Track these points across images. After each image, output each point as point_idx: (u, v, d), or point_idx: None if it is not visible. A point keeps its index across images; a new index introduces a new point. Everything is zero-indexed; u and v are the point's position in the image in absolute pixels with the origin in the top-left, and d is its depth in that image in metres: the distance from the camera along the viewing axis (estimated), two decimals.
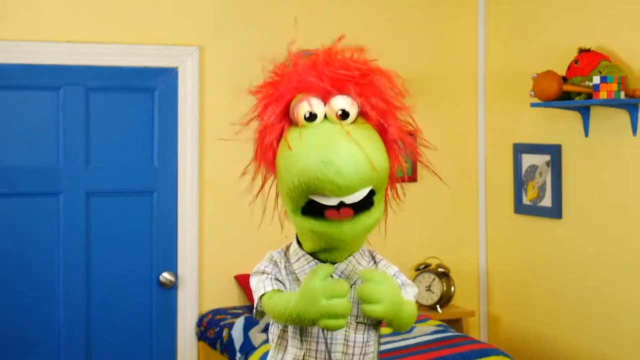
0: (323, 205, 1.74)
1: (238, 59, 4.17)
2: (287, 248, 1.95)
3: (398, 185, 1.94)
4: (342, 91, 1.79)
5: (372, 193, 1.77)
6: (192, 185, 4.10)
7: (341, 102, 1.78)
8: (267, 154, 1.86)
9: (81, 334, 3.98)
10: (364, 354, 1.91)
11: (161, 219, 4.09)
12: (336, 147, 1.72)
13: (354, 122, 1.79)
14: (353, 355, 1.89)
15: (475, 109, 4.66)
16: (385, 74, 1.84)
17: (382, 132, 1.84)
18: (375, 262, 1.95)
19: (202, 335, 4.06)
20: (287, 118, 1.82)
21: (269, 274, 1.90)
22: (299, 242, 1.92)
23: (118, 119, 4.02)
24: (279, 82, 1.84)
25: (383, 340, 3.58)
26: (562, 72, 3.89)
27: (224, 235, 4.19)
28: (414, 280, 4.46)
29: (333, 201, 1.73)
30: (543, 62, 4.07)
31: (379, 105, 1.82)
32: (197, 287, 4.14)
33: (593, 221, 3.92)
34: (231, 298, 4.21)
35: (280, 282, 1.89)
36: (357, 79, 1.80)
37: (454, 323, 4.44)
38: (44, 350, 3.93)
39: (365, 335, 1.90)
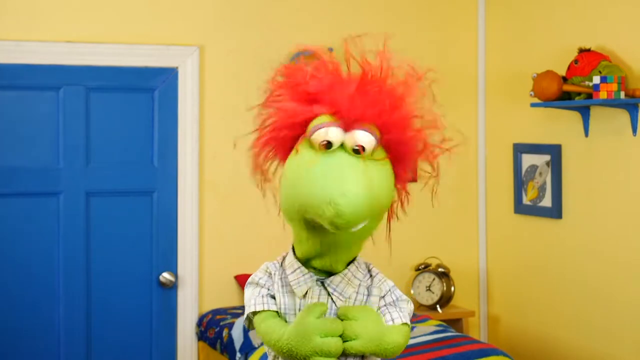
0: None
1: (238, 59, 4.17)
2: (284, 259, 1.93)
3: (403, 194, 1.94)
4: (364, 122, 1.75)
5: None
6: (192, 185, 4.10)
7: (362, 137, 1.74)
8: (285, 144, 1.83)
9: (81, 334, 3.98)
10: None
11: (161, 219, 4.09)
12: (343, 189, 1.68)
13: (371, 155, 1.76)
14: None
15: (475, 109, 4.66)
16: (412, 93, 1.80)
17: (397, 159, 1.83)
18: (371, 275, 1.93)
19: (202, 335, 4.06)
20: (302, 128, 1.78)
21: (262, 286, 1.89)
22: (294, 252, 1.90)
23: (118, 119, 4.02)
24: (307, 84, 1.78)
25: None
26: (562, 72, 3.89)
27: (224, 235, 4.19)
28: (413, 280, 4.46)
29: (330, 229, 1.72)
30: (543, 62, 4.07)
31: (401, 139, 1.80)
32: (197, 287, 4.14)
33: (593, 221, 3.92)
34: (231, 298, 4.21)
35: (272, 297, 1.87)
36: (386, 112, 1.76)
37: (454, 323, 4.44)
38: (44, 350, 3.93)
39: None
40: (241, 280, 4.15)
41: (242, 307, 4.10)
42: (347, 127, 1.75)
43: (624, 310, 3.78)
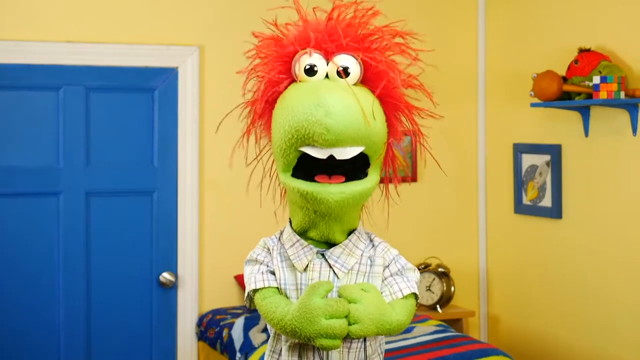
0: (313, 158, 1.70)
1: (238, 59, 4.15)
2: (281, 233, 1.90)
3: (396, 164, 1.91)
4: (344, 49, 1.76)
5: (366, 161, 1.74)
6: (192, 185, 4.10)
7: (344, 59, 1.75)
8: (266, 112, 1.83)
9: (81, 334, 3.98)
10: (362, 341, 1.85)
11: (161, 219, 4.09)
12: (331, 92, 1.69)
13: (355, 85, 1.76)
14: (351, 341, 1.83)
15: (475, 109, 4.66)
16: (394, 44, 1.82)
17: (384, 103, 1.81)
18: (373, 245, 1.89)
19: (202, 335, 4.06)
20: (289, 75, 1.79)
21: (261, 262, 1.86)
22: (292, 225, 1.87)
23: (118, 119, 4.02)
24: (282, 38, 1.81)
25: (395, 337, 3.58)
26: (562, 72, 3.89)
27: (224, 235, 4.19)
28: None
29: (323, 153, 1.68)
30: (543, 62, 4.07)
31: (384, 70, 1.78)
32: (197, 287, 4.14)
33: (593, 221, 3.92)
34: (231, 298, 4.21)
35: (272, 273, 1.85)
36: (364, 41, 1.77)
37: (454, 323, 4.44)
38: (44, 350, 3.93)
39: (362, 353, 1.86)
40: (241, 280, 4.15)
41: (242, 307, 4.11)
42: (328, 57, 1.76)
43: (624, 310, 3.78)
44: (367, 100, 1.74)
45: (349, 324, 1.72)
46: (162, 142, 4.08)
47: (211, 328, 3.97)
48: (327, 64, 1.76)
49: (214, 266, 4.17)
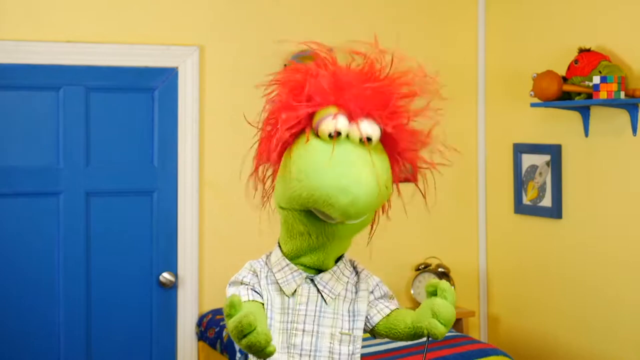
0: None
1: (238, 59, 4.17)
2: (268, 257, 1.92)
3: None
4: (368, 114, 1.76)
5: None
6: (192, 185, 4.10)
7: (368, 127, 1.76)
8: (277, 148, 1.82)
9: (81, 334, 3.98)
10: None
11: (161, 219, 4.09)
12: (356, 177, 1.70)
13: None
14: None
15: (475, 109, 4.66)
16: (414, 93, 1.81)
17: (391, 150, 1.84)
18: (357, 272, 1.94)
19: (202, 335, 4.06)
20: (307, 120, 1.78)
21: (247, 284, 1.87)
22: (281, 249, 1.89)
23: (118, 119, 4.01)
24: (311, 82, 1.78)
25: (383, 340, 3.58)
26: (562, 72, 3.89)
27: (224, 235, 4.19)
28: (413, 280, 4.46)
29: (331, 220, 1.74)
30: (543, 62, 4.07)
31: (400, 136, 1.81)
32: (197, 287, 4.14)
33: (593, 221, 3.92)
34: None
35: (258, 293, 1.85)
36: (389, 105, 1.77)
37: (454, 323, 4.43)
38: (44, 350, 3.93)
39: (351, 347, 1.88)
40: None
41: None
42: (351, 119, 1.76)
43: (624, 310, 3.78)
44: (385, 170, 1.78)
45: (443, 325, 1.77)
46: (162, 142, 4.08)
47: (211, 328, 3.97)
48: (349, 123, 1.76)
49: (214, 266, 4.17)
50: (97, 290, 3.99)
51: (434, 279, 1.83)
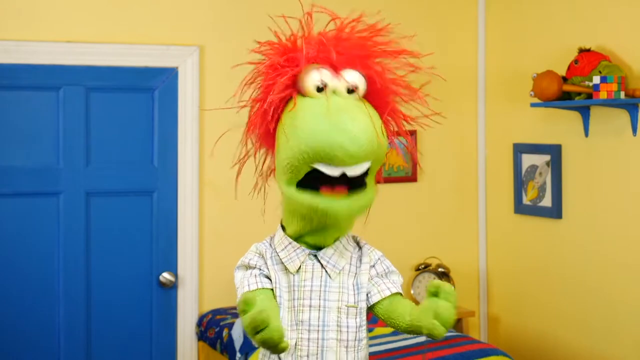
0: (324, 175, 1.73)
1: (238, 59, 4.16)
2: (272, 238, 1.95)
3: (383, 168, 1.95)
4: (352, 65, 1.79)
5: (366, 171, 1.77)
6: (192, 185, 4.10)
7: (353, 76, 1.78)
8: (266, 122, 1.84)
9: (81, 334, 3.98)
10: (359, 340, 1.89)
11: (161, 219, 4.09)
12: (352, 116, 1.72)
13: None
14: (347, 340, 1.87)
15: (475, 109, 4.66)
16: (393, 54, 1.84)
17: (380, 111, 1.85)
18: (359, 247, 1.95)
19: (202, 335, 4.06)
20: (293, 86, 1.81)
21: (254, 267, 1.89)
22: (283, 229, 1.90)
23: (118, 119, 4.02)
24: (289, 48, 1.83)
25: (383, 340, 3.58)
26: (562, 72, 3.89)
27: (224, 235, 4.19)
28: (413, 280, 4.46)
29: (336, 171, 1.73)
30: (543, 62, 4.07)
31: (385, 85, 1.82)
32: (197, 287, 4.14)
33: (593, 221, 3.92)
34: (231, 298, 4.21)
35: (266, 277, 1.87)
36: (366, 58, 1.80)
37: (454, 323, 4.43)
38: (44, 350, 3.93)
39: (358, 320, 1.89)
40: None
41: None
42: (335, 71, 1.79)
43: (624, 310, 3.78)
44: (377, 118, 1.79)
45: (443, 325, 1.79)
46: (162, 142, 4.08)
47: (211, 328, 3.97)
48: (334, 78, 1.78)
49: (214, 266, 4.17)
50: (97, 290, 4.00)
51: (436, 280, 1.83)
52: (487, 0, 4.59)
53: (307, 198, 1.76)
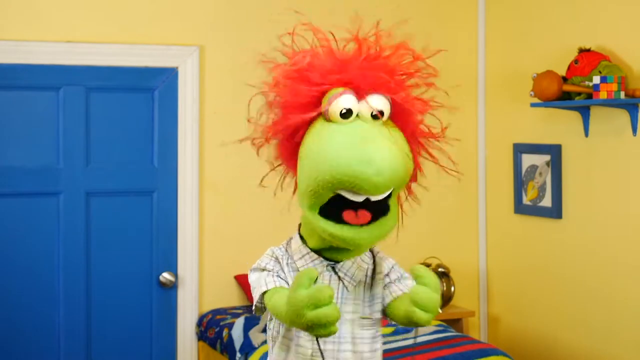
0: (348, 201, 1.70)
1: (238, 59, 4.17)
2: (288, 244, 1.91)
3: (413, 185, 1.94)
4: (377, 90, 1.76)
5: (389, 195, 1.75)
6: (192, 185, 4.10)
7: (378, 102, 1.75)
8: (287, 144, 1.81)
9: (81, 334, 3.98)
10: (374, 350, 1.89)
11: (161, 219, 4.09)
12: (377, 145, 1.68)
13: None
14: (363, 352, 1.87)
15: (475, 109, 4.66)
16: (416, 71, 1.83)
17: (405, 133, 1.82)
18: (373, 254, 1.95)
19: (202, 335, 4.06)
20: (315, 107, 1.77)
21: (270, 270, 1.86)
22: (302, 238, 1.88)
23: (118, 119, 4.02)
24: (310, 68, 1.78)
25: (383, 340, 3.58)
26: (562, 72, 3.89)
27: (224, 235, 4.19)
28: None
29: (360, 198, 1.70)
30: (543, 62, 4.07)
31: (411, 106, 1.80)
32: (197, 287, 4.14)
33: (593, 221, 3.92)
34: (231, 298, 4.21)
35: (283, 280, 1.85)
36: (394, 81, 1.77)
37: (454, 323, 4.44)
38: (44, 350, 3.93)
39: (372, 331, 1.89)
40: (241, 280, 4.15)
41: (242, 307, 4.11)
42: (359, 96, 1.75)
43: (624, 310, 3.78)
44: (404, 144, 1.77)
45: (425, 312, 1.70)
46: (162, 142, 4.08)
47: (211, 328, 3.97)
48: (359, 102, 1.75)
49: (214, 266, 4.17)
50: (97, 290, 4.00)
51: (415, 266, 1.77)
52: (487, 0, 4.59)
53: (329, 227, 1.74)
